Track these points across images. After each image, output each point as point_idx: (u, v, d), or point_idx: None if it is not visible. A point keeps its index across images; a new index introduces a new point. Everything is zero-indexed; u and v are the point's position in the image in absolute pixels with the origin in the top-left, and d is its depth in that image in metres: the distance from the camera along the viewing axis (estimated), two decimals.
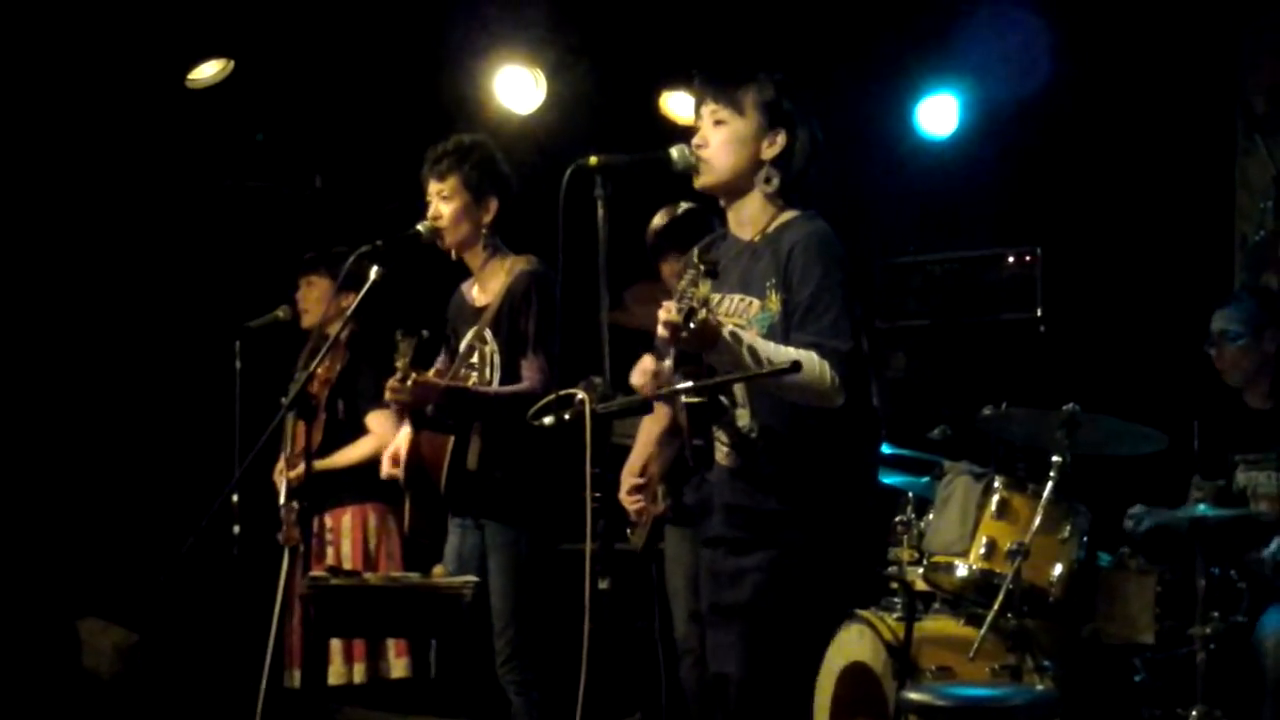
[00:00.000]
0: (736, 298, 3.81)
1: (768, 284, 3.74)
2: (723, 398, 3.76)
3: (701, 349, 3.57)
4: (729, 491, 3.79)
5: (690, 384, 3.62)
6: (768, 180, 3.82)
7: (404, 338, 4.70)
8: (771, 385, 3.63)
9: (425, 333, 4.83)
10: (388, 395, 4.76)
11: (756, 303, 3.76)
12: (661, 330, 3.58)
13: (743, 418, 3.78)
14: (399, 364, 4.68)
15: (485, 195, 4.91)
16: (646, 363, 3.94)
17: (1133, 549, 5.23)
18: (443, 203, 4.89)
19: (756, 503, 3.73)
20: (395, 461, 4.94)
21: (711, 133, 3.84)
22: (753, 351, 3.57)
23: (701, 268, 3.51)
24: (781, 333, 3.69)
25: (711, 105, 3.84)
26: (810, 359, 3.58)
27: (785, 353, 3.59)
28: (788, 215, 3.84)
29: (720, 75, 3.86)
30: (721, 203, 3.97)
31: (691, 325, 3.47)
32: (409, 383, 4.68)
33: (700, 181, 3.87)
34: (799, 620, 3.72)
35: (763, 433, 3.73)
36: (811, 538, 3.69)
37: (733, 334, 3.60)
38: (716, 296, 3.70)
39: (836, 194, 4.03)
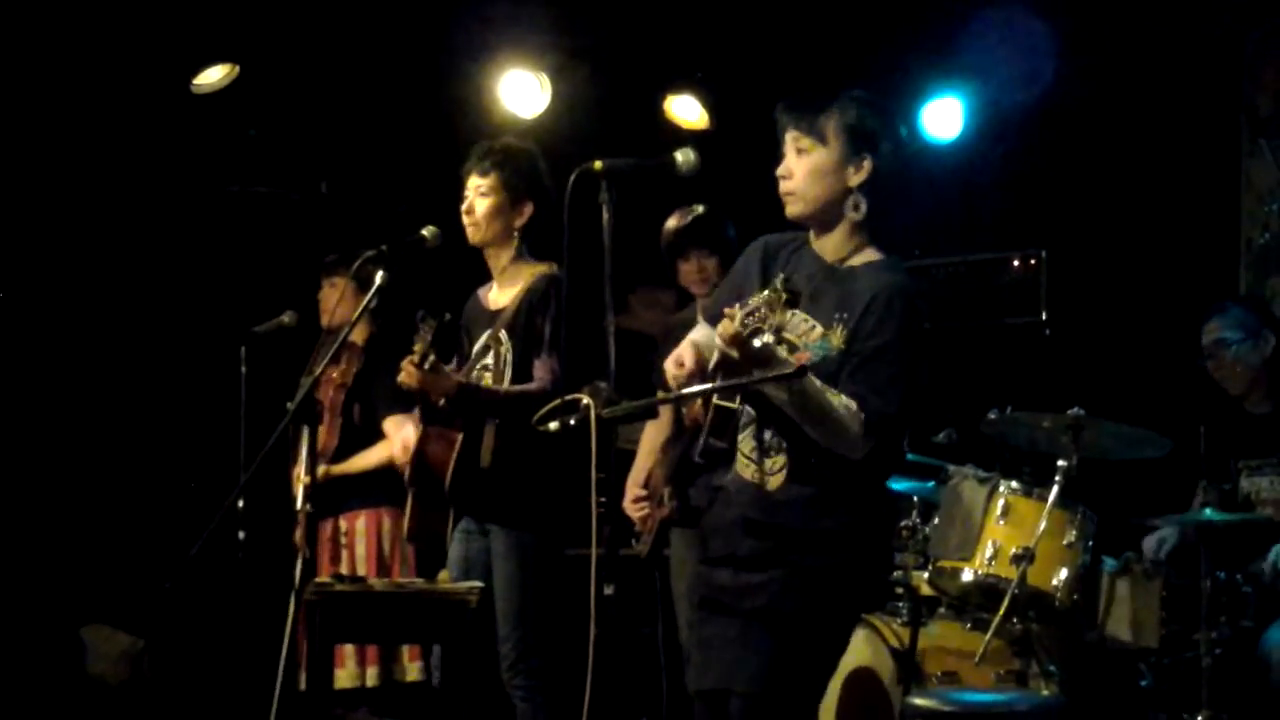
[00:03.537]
0: (801, 316, 3.73)
1: (837, 316, 3.68)
2: (749, 408, 3.73)
3: (754, 368, 3.52)
4: (749, 506, 3.73)
5: (723, 384, 3.61)
6: (856, 207, 3.76)
7: (425, 320, 4.70)
8: (805, 423, 3.59)
9: (448, 315, 4.84)
10: (402, 377, 4.74)
11: (820, 329, 3.70)
12: (719, 341, 3.52)
13: (770, 433, 3.74)
14: (418, 347, 4.68)
15: (521, 198, 4.94)
16: (685, 353, 3.85)
17: (1155, 566, 5.23)
18: (479, 198, 4.94)
19: (776, 518, 3.69)
20: (408, 449, 4.94)
21: (795, 163, 3.77)
22: (803, 386, 3.52)
23: (784, 295, 3.40)
24: (836, 368, 3.64)
25: (793, 132, 3.77)
26: (850, 410, 3.56)
27: (829, 395, 3.56)
28: (871, 254, 3.78)
29: (801, 102, 3.79)
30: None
31: (755, 344, 3.41)
32: (426, 366, 4.68)
33: (789, 212, 3.80)
34: (810, 636, 3.67)
35: (787, 451, 3.71)
36: (824, 559, 3.66)
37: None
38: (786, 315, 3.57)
39: None
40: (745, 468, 3.74)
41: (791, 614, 3.65)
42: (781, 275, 3.49)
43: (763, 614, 3.66)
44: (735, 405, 3.64)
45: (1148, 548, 5.39)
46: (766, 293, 3.45)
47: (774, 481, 3.70)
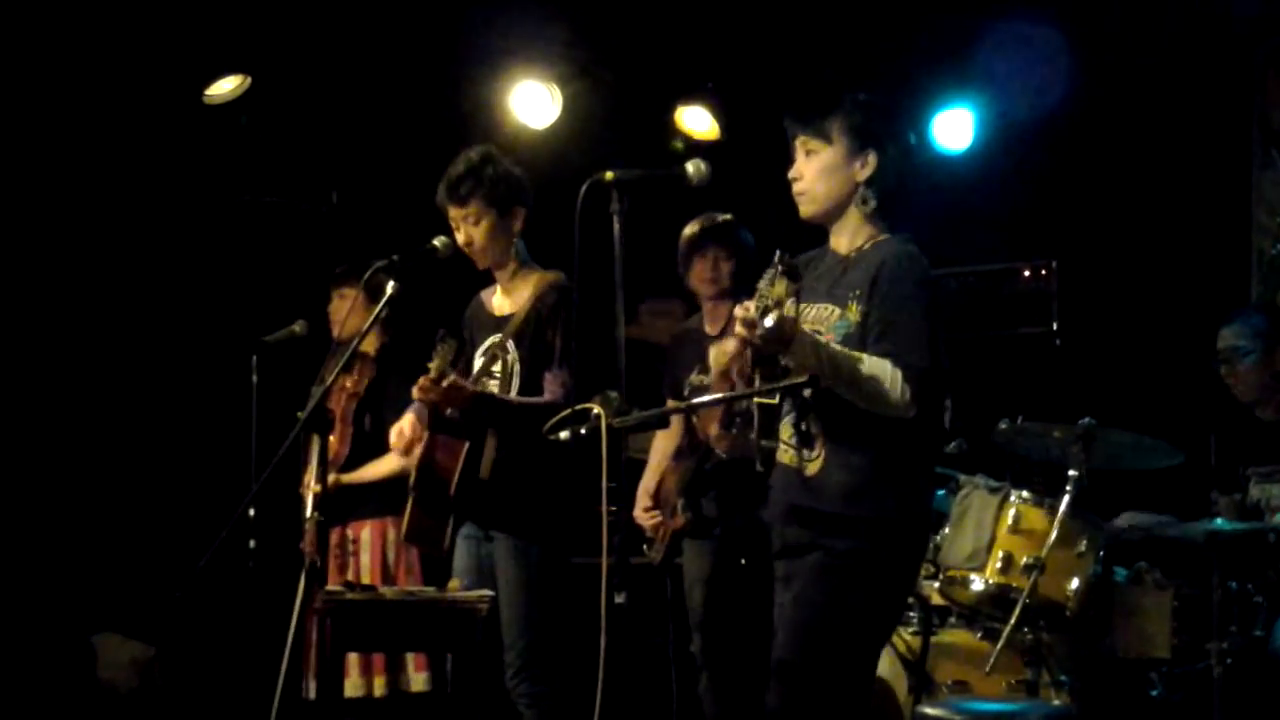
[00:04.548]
0: (820, 305, 3.84)
1: (851, 294, 3.78)
2: (790, 399, 3.76)
3: (777, 349, 3.58)
4: (790, 491, 3.80)
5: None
6: (864, 201, 3.87)
7: (445, 340, 4.70)
8: (845, 392, 3.65)
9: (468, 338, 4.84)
10: (416, 392, 4.75)
11: (837, 310, 3.80)
12: (739, 328, 3.59)
13: (808, 420, 3.78)
14: (434, 365, 4.68)
15: (511, 206, 4.92)
16: (728, 345, 3.90)
17: (1149, 561, 5.22)
18: (472, 228, 4.89)
19: (815, 502, 3.74)
20: (408, 451, 4.93)
21: (804, 165, 3.89)
22: (830, 355, 3.61)
23: (780, 267, 3.53)
24: (858, 342, 3.72)
25: (801, 137, 3.90)
26: (884, 368, 3.63)
27: (858, 358, 3.63)
28: (884, 236, 3.89)
29: (805, 107, 3.91)
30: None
31: (767, 323, 3.49)
32: (443, 384, 4.68)
33: (803, 212, 3.91)
34: (847, 623, 3.72)
35: (826, 434, 3.75)
36: (865, 544, 3.70)
37: (813, 335, 3.64)
38: (805, 305, 3.72)
39: None
40: (785, 453, 3.80)
41: (823, 601, 3.70)
42: (779, 251, 3.58)
43: (800, 598, 3.73)
44: (775, 401, 3.66)
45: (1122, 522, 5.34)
46: (768, 272, 3.56)
47: (812, 467, 3.76)
